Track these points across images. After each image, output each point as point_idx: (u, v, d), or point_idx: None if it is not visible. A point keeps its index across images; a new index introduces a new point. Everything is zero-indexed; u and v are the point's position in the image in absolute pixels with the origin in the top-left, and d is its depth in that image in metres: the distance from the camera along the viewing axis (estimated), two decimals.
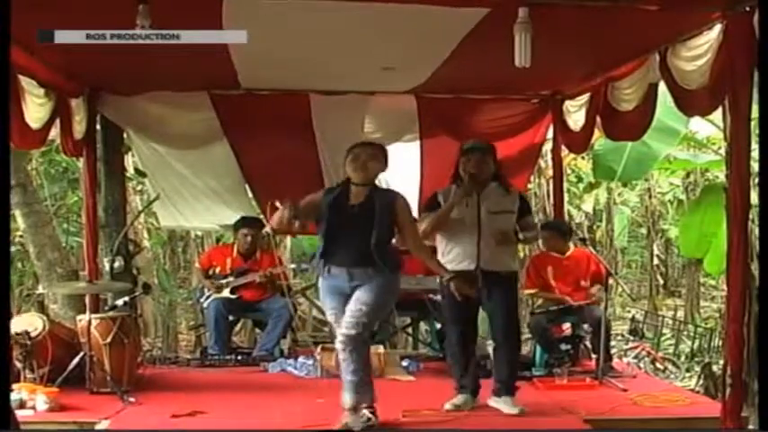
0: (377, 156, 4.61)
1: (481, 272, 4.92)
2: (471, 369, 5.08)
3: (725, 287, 4.76)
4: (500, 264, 4.97)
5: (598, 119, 6.41)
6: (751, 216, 4.59)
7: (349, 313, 4.44)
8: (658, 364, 10.16)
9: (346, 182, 4.63)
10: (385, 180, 7.65)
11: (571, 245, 6.62)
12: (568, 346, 6.34)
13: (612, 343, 7.00)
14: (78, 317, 5.79)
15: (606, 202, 15.45)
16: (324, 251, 4.52)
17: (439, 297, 6.86)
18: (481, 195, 4.99)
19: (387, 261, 4.53)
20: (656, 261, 17.30)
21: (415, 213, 7.30)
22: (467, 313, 5.04)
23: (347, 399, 4.48)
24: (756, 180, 4.45)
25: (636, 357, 9.75)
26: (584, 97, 6.66)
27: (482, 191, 5.00)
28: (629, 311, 14.14)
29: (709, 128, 8.92)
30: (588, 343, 6.48)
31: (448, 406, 4.95)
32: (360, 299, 4.44)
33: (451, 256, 4.98)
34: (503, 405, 4.96)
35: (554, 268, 6.47)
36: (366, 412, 4.50)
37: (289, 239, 10.66)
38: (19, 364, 5.19)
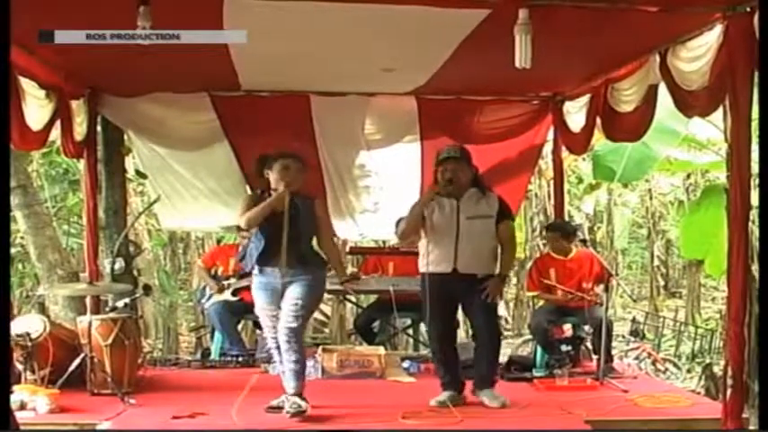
0: (304, 169, 4.99)
1: (458, 275, 5.08)
2: (453, 366, 5.22)
3: (725, 288, 4.75)
4: (477, 267, 5.12)
5: (598, 120, 6.40)
6: (751, 217, 4.58)
7: (287, 309, 4.83)
8: (659, 365, 10.16)
9: (267, 190, 4.95)
10: (384, 183, 7.73)
11: (574, 247, 6.61)
12: (569, 347, 6.33)
13: (613, 344, 6.98)
14: (79, 318, 5.79)
15: (607, 204, 15.48)
16: (260, 254, 4.88)
17: None
18: (460, 201, 5.15)
19: (315, 260, 4.98)
20: (656, 262, 17.32)
21: None
22: (444, 311, 5.19)
23: (292, 385, 4.80)
24: (757, 181, 4.44)
25: (637, 358, 9.74)
26: (585, 98, 6.64)
27: (461, 197, 5.16)
28: (629, 312, 14.14)
29: (710, 130, 8.91)
30: (589, 344, 6.48)
31: (433, 402, 5.07)
32: (295, 295, 4.83)
33: (431, 257, 5.15)
34: (484, 397, 5.12)
35: (557, 270, 6.47)
36: (297, 399, 4.75)
37: None
38: (20, 366, 5.20)
